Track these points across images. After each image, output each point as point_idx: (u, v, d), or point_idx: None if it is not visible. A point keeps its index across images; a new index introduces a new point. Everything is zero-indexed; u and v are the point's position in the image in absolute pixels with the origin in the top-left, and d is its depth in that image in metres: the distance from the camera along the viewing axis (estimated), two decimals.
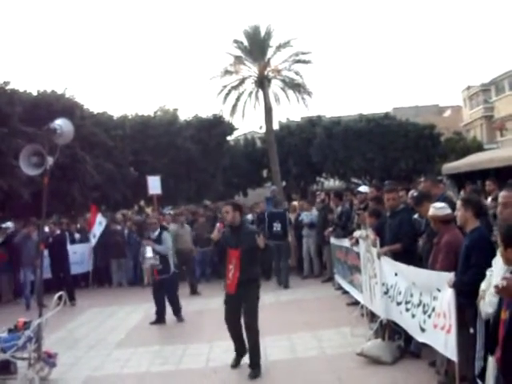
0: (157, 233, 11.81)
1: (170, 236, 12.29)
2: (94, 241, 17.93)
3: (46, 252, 13.94)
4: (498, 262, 4.91)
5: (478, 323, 5.55)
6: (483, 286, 5.11)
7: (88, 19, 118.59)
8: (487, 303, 4.93)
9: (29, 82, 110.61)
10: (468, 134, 49.27)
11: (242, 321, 8.00)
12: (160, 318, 11.86)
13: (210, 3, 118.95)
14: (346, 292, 12.53)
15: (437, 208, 6.93)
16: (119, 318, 13.13)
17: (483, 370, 5.22)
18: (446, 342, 6.30)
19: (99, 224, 18.08)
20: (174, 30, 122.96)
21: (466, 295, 5.49)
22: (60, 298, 7.99)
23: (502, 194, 5.82)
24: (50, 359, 8.12)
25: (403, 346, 8.17)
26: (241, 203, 9.10)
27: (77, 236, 18.52)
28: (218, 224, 8.30)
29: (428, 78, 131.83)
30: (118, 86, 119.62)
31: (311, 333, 10.03)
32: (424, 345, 7.23)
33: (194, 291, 14.97)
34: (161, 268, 11.58)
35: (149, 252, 11.55)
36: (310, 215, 16.18)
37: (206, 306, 13.11)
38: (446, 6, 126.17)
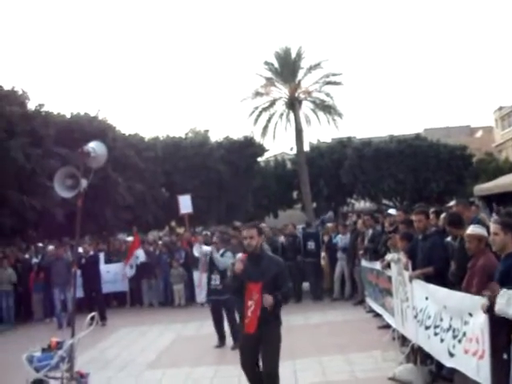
0: (221, 252, 11.59)
1: (232, 256, 12.27)
2: (130, 272, 17.94)
3: (78, 272, 14.11)
4: None
5: None
6: None
7: (121, 42, 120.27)
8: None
9: (63, 105, 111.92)
10: (500, 155, 48.81)
11: (261, 365, 6.85)
12: (222, 340, 11.59)
13: (241, 25, 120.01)
14: (377, 315, 12.44)
15: (475, 227, 6.89)
16: (150, 338, 13.17)
17: None
18: (478, 368, 6.21)
19: (136, 258, 18.09)
20: (205, 51, 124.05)
21: (499, 320, 5.42)
22: (92, 318, 8.05)
23: None
24: (82, 379, 8.14)
25: (435, 370, 8.08)
26: (261, 227, 8.07)
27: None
28: (239, 254, 7.31)
29: (459, 99, 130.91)
30: (150, 108, 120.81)
31: (342, 356, 9.96)
32: (457, 370, 7.15)
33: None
34: (221, 288, 11.21)
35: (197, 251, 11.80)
36: (344, 239, 16.15)
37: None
38: (479, 27, 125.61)
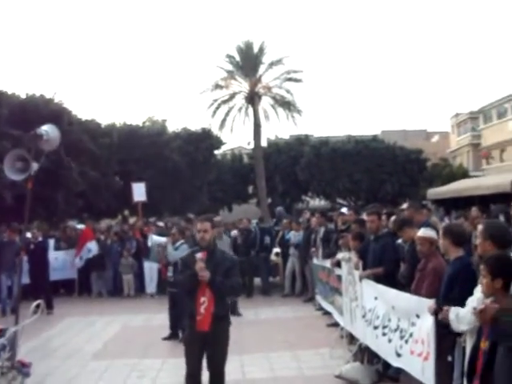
0: (178, 244, 11.35)
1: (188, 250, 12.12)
2: (79, 263, 17.58)
3: (26, 258, 13.84)
4: (478, 291, 4.91)
5: (456, 352, 5.54)
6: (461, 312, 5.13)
7: (80, 26, 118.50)
8: (461, 319, 4.95)
9: (18, 85, 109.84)
10: (454, 161, 49.53)
11: (208, 364, 6.48)
12: (175, 333, 11.26)
13: (203, 17, 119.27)
14: (326, 313, 12.49)
15: (427, 230, 6.95)
16: (97, 328, 12.97)
17: None
18: (423, 369, 6.27)
19: (88, 251, 17.67)
20: (166, 41, 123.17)
21: (444, 324, 5.46)
22: (38, 306, 7.87)
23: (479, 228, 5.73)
24: (23, 368, 7.95)
25: (382, 370, 8.14)
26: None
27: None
28: (199, 254, 6.37)
29: (417, 103, 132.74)
30: (108, 94, 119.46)
31: (290, 352, 9.98)
32: (403, 370, 7.20)
33: None
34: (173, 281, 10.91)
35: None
36: (297, 235, 16.17)
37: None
38: (438, 34, 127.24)
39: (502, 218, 10.27)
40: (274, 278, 17.73)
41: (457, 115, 53.55)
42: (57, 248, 17.80)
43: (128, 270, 17.21)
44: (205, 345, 6.36)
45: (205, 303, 6.29)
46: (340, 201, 36.74)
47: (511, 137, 36.75)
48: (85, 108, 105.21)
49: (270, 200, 36.98)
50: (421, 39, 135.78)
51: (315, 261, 13.66)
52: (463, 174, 39.29)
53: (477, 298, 4.87)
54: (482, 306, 3.82)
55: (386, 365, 7.86)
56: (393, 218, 9.91)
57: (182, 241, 11.52)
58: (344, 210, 13.94)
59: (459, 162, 49.23)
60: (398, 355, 7.05)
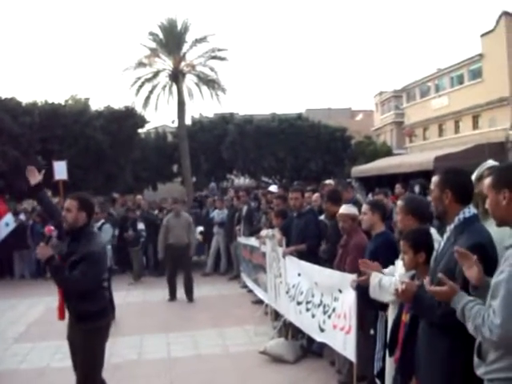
0: (99, 224, 11.02)
1: (111, 229, 11.92)
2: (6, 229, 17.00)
3: None
4: (398, 266, 5.03)
5: (378, 325, 5.68)
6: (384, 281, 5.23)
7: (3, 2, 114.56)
8: (384, 291, 5.05)
9: None
10: (378, 139, 50.38)
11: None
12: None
13: None
14: (251, 290, 12.60)
15: (348, 206, 7.06)
16: (19, 311, 12.73)
17: (382, 370, 5.35)
18: (344, 343, 6.42)
19: (6, 225, 17.10)
20: (89, 17, 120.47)
21: (367, 298, 5.59)
22: None
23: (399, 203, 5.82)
24: None
25: (306, 345, 8.29)
26: (92, 201, 5.93)
27: None
28: (45, 228, 5.60)
29: (342, 81, 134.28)
30: (28, 72, 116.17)
31: (215, 330, 10.06)
32: (326, 344, 7.35)
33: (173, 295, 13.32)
34: None
35: None
36: (221, 213, 16.21)
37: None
38: (364, 11, 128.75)
39: (417, 189, 10.50)
40: (199, 257, 17.74)
41: (381, 93, 54.45)
42: None
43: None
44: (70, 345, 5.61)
45: (59, 290, 5.62)
46: (265, 179, 36.90)
47: (434, 115, 37.66)
48: (4, 86, 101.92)
49: (194, 179, 36.85)
50: (345, 18, 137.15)
51: (239, 239, 13.74)
52: (387, 152, 40.06)
53: (397, 274, 4.99)
54: (403, 286, 3.91)
55: (310, 340, 8.01)
56: (315, 195, 10.07)
57: (103, 220, 11.37)
58: (272, 188, 14.06)
59: (383, 139, 50.17)
60: (322, 330, 7.19)
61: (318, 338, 7.41)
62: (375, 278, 5.19)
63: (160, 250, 13.51)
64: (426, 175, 15.38)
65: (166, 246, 13.17)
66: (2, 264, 17.58)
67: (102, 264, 5.57)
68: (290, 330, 8.62)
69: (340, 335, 6.54)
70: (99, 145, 28.20)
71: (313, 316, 7.49)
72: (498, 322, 2.92)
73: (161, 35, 36.31)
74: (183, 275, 12.90)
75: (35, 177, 5.97)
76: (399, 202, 5.29)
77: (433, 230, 4.71)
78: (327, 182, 12.65)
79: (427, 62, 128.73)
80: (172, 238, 13.08)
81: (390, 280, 5.01)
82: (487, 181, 3.39)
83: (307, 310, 7.73)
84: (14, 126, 24.78)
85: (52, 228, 5.41)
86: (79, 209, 5.47)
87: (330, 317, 6.92)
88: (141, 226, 16.04)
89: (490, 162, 4.79)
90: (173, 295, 13.01)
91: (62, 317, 5.59)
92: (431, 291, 3.41)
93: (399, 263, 4.98)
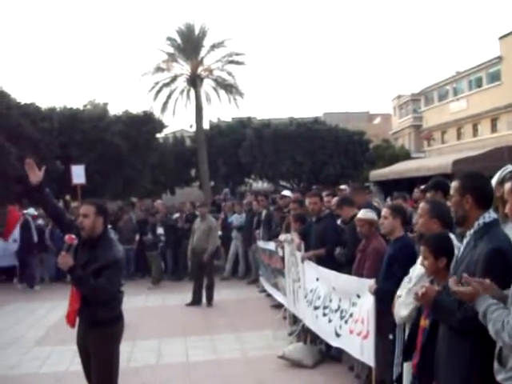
0: None
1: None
2: (15, 246, 17.14)
3: None
4: (416, 270, 5.01)
5: (397, 330, 5.66)
6: (399, 292, 5.23)
7: (19, 8, 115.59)
8: (401, 304, 5.05)
9: None
10: (396, 142, 50.25)
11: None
12: None
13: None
14: (269, 295, 12.59)
15: (366, 211, 7.04)
16: (39, 315, 12.80)
17: (401, 375, 5.33)
18: (361, 348, 6.40)
19: (13, 241, 17.08)
20: (107, 23, 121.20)
21: (386, 302, 5.57)
22: None
23: (420, 205, 5.76)
24: None
25: (324, 349, 8.27)
26: (107, 207, 5.80)
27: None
28: (66, 236, 5.27)
29: (359, 85, 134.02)
30: (48, 77, 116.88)
31: (234, 334, 10.06)
32: (345, 350, 7.33)
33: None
34: None
35: None
36: (239, 218, 16.22)
37: (127, 305, 12.87)
38: (381, 15, 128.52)
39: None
40: (218, 260, 17.74)
41: (399, 97, 54.31)
42: None
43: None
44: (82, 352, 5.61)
45: (73, 296, 5.38)
46: (283, 183, 36.89)
47: (452, 118, 37.51)
48: (24, 91, 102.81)
49: (212, 183, 36.92)
50: (363, 21, 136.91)
51: (258, 243, 13.75)
52: (405, 156, 39.93)
53: (415, 276, 4.97)
54: (423, 290, 3.89)
55: (329, 345, 7.99)
56: (334, 199, 10.05)
57: None
58: (286, 192, 14.07)
59: (401, 143, 50.03)
60: (338, 335, 7.17)
61: (334, 343, 7.40)
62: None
63: (188, 253, 13.62)
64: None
65: (191, 250, 13.26)
66: (23, 267, 17.65)
67: (123, 270, 5.57)
68: (308, 335, 8.61)
69: (357, 340, 6.52)
70: (118, 150, 28.32)
71: (329, 321, 7.48)
72: None
73: (178, 40, 36.50)
74: (205, 280, 12.92)
75: (35, 174, 5.31)
76: (424, 205, 5.20)
77: (452, 236, 4.67)
78: (342, 187, 12.65)
79: (445, 65, 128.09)
80: (194, 242, 13.14)
81: (404, 294, 5.01)
82: (508, 185, 3.37)
83: (324, 314, 7.71)
84: (33, 132, 24.95)
85: (73, 236, 5.20)
86: (97, 214, 5.31)
87: (346, 322, 6.90)
88: (160, 230, 16.12)
89: (511, 166, 4.77)
90: (195, 300, 12.97)
91: (73, 324, 5.46)
92: (456, 291, 3.40)
93: (417, 267, 4.97)
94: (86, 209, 5.34)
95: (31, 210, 17.96)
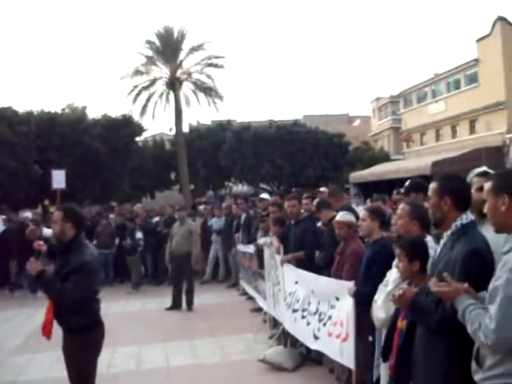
0: None
1: None
2: None
3: None
4: (393, 274, 5.02)
5: (377, 332, 5.66)
6: (376, 296, 5.23)
7: None
8: (379, 307, 5.05)
9: None
10: (376, 144, 50.50)
11: None
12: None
13: (123, 2, 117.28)
14: (249, 298, 12.59)
15: (344, 213, 7.04)
16: (18, 322, 12.62)
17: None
18: (341, 350, 6.40)
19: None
20: (86, 26, 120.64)
21: (365, 304, 5.57)
22: None
23: (400, 206, 5.75)
24: None
25: (305, 352, 8.26)
26: (79, 212, 5.70)
27: None
28: (35, 243, 5.47)
29: (339, 88, 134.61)
30: (25, 81, 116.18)
31: (214, 339, 10.01)
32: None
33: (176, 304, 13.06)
34: None
35: None
36: (219, 221, 16.19)
37: (106, 310, 12.77)
38: (360, 18, 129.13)
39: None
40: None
41: (378, 99, 54.54)
42: None
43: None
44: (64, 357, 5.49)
45: (48, 306, 5.34)
46: (263, 186, 36.94)
47: (431, 120, 37.72)
48: (0, 95, 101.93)
49: (192, 186, 36.88)
50: (342, 24, 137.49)
51: (238, 246, 13.72)
52: (384, 158, 40.13)
53: (392, 280, 4.98)
54: (401, 292, 3.90)
55: (309, 348, 7.98)
56: (315, 201, 10.04)
57: None
58: (264, 195, 14.07)
59: (380, 145, 50.27)
60: (316, 338, 7.17)
61: (313, 345, 7.39)
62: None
63: (166, 257, 13.62)
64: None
65: (169, 254, 13.21)
66: (0, 275, 17.44)
67: (95, 275, 5.45)
68: (288, 338, 8.60)
69: (336, 343, 6.51)
70: (96, 153, 28.22)
71: (308, 324, 7.47)
72: (492, 326, 2.96)
73: (157, 43, 36.46)
74: (185, 284, 12.86)
75: (35, 268, 5.21)
76: (404, 206, 5.20)
77: (429, 238, 4.70)
78: (322, 189, 12.68)
79: (424, 68, 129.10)
80: (173, 245, 13.08)
81: (382, 298, 5.02)
82: (487, 185, 3.39)
83: (302, 317, 7.71)
84: (10, 136, 24.76)
85: (42, 243, 5.28)
86: (64, 220, 5.31)
87: (325, 325, 6.89)
88: (139, 234, 16.03)
89: (479, 169, 4.82)
90: (175, 304, 12.90)
91: (48, 336, 5.36)
92: (437, 291, 3.40)
93: (393, 270, 4.98)
94: (55, 215, 5.43)
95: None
